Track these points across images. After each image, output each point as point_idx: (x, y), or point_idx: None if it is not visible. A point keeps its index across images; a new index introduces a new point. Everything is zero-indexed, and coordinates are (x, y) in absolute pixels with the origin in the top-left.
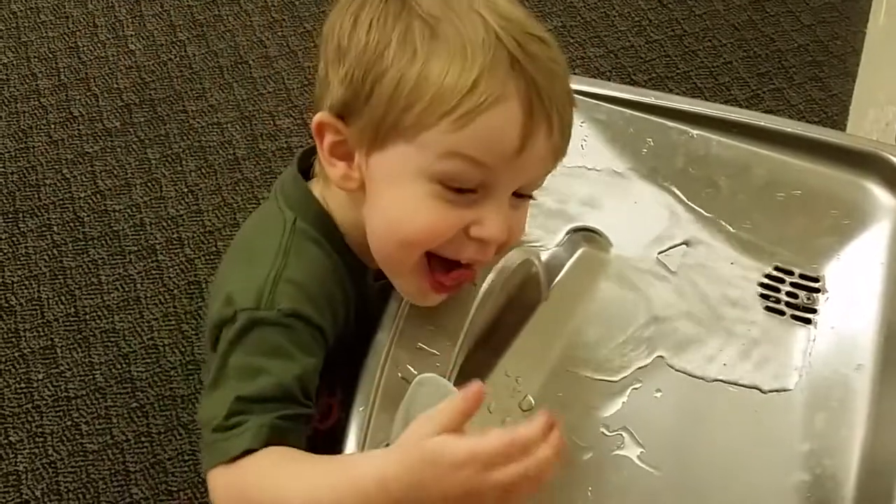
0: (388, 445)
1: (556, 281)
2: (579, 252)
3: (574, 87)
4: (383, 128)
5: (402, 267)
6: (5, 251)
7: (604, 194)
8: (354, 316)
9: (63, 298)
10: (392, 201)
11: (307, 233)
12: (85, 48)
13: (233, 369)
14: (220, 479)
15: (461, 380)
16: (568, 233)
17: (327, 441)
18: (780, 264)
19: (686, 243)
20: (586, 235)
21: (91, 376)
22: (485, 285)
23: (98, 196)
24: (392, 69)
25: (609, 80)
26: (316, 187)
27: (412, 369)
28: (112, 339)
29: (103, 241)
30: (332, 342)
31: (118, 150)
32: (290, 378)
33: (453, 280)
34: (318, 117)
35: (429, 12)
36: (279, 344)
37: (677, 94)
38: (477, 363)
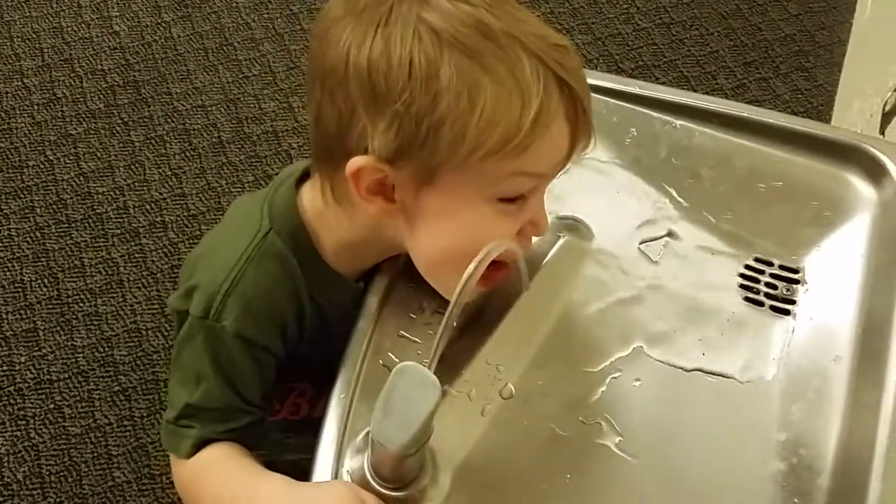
0: (367, 433)
1: (538, 270)
2: (561, 241)
3: None
4: (442, 169)
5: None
6: None
7: (586, 184)
8: (321, 324)
9: (46, 281)
10: (455, 229)
11: (274, 247)
12: (69, 28)
13: (185, 364)
14: (173, 467)
15: (442, 368)
16: (550, 222)
17: (308, 426)
18: (760, 255)
19: (667, 233)
20: (568, 225)
21: (73, 359)
22: (466, 274)
23: (81, 178)
24: (450, 117)
25: (596, 67)
26: (307, 194)
27: (394, 357)
28: (95, 322)
29: (86, 224)
30: (291, 349)
31: (102, 132)
32: (228, 391)
33: (502, 276)
34: (359, 163)
35: (469, 46)
36: (218, 357)
37: (664, 82)
38: (458, 351)
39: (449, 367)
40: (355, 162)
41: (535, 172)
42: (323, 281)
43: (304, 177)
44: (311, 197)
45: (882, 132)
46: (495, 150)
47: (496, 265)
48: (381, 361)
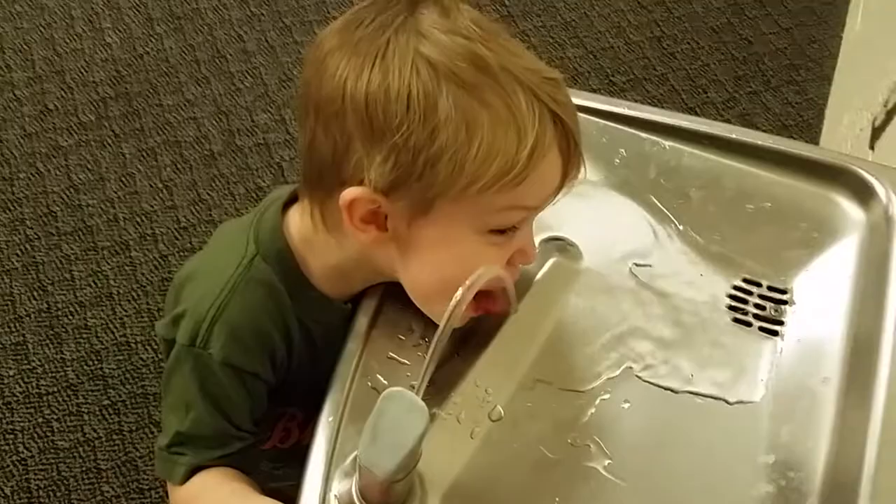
0: (356, 457)
1: (527, 292)
2: (550, 262)
3: None
4: (437, 201)
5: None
6: None
7: (576, 205)
8: (310, 347)
9: (35, 294)
10: (447, 259)
11: (259, 273)
12: (61, 40)
13: (174, 392)
14: (169, 492)
15: (431, 390)
16: (539, 243)
17: (297, 455)
18: (748, 276)
19: (656, 254)
20: (558, 245)
21: (63, 373)
22: (456, 297)
23: (72, 190)
24: (448, 150)
25: (588, 80)
26: (294, 218)
27: (382, 379)
28: (84, 335)
29: (76, 236)
30: (282, 374)
31: (93, 143)
32: (217, 418)
33: (495, 308)
34: (354, 194)
35: (466, 80)
36: (205, 384)
37: (655, 95)
38: (447, 373)
39: (438, 389)
40: (350, 193)
41: (527, 206)
42: (310, 304)
43: (290, 201)
44: (298, 221)
45: (872, 147)
46: (492, 184)
47: (489, 296)
48: (369, 383)
